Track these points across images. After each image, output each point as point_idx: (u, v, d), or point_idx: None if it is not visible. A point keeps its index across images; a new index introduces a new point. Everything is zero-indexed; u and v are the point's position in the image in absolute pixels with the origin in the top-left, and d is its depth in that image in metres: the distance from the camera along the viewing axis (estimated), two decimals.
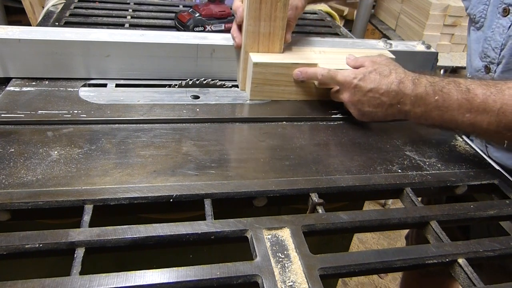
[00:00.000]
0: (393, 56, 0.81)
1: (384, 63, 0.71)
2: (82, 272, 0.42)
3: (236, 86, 0.83)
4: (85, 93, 0.74)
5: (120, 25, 1.05)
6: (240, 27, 0.78)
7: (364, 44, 0.93)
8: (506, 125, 0.58)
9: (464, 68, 2.04)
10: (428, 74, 0.68)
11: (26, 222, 0.54)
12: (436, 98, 0.63)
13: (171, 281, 0.41)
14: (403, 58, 0.88)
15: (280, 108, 0.77)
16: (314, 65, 0.77)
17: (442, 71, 2.24)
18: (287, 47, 0.82)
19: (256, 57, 0.76)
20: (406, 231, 1.82)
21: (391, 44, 0.93)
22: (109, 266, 0.48)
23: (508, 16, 0.73)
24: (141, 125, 0.68)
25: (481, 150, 0.75)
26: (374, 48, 0.90)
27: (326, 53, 0.83)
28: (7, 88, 0.72)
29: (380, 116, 0.70)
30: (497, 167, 0.68)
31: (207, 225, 0.48)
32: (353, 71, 0.71)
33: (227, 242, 0.49)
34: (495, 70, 0.77)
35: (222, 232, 0.48)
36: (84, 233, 0.45)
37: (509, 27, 0.73)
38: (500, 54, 0.75)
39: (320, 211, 0.53)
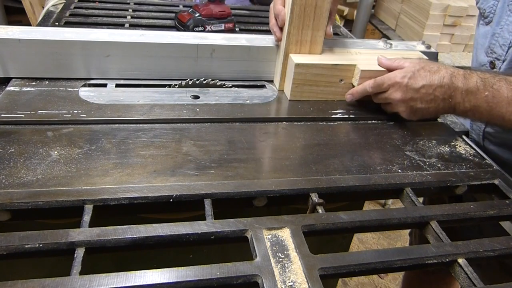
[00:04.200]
0: (427, 59, 0.82)
1: (430, 62, 0.72)
2: (82, 272, 0.42)
3: (236, 86, 0.83)
4: (85, 93, 0.74)
5: (120, 25, 1.05)
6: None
7: (364, 44, 0.93)
8: None
9: (464, 68, 2.04)
10: (478, 70, 0.69)
11: (26, 222, 0.54)
12: (486, 93, 0.64)
13: (171, 281, 0.41)
14: None
15: (280, 108, 0.77)
16: (353, 66, 0.78)
17: None
18: (325, 48, 0.83)
19: (297, 58, 0.77)
20: (406, 231, 1.82)
21: (391, 44, 0.93)
22: (109, 266, 0.48)
23: None
24: (141, 125, 0.68)
25: (477, 142, 0.75)
26: (375, 48, 0.90)
27: (362, 54, 0.84)
28: (7, 88, 0.72)
29: (431, 112, 0.71)
30: (493, 164, 0.68)
31: (207, 225, 0.48)
32: (401, 70, 0.71)
33: (227, 242, 0.49)
34: (500, 67, 0.77)
35: (222, 232, 0.48)
36: (84, 233, 0.45)
37: None
38: (507, 52, 0.75)
39: (320, 211, 0.53)
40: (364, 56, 0.82)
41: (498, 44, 0.77)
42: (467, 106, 0.67)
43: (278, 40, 0.80)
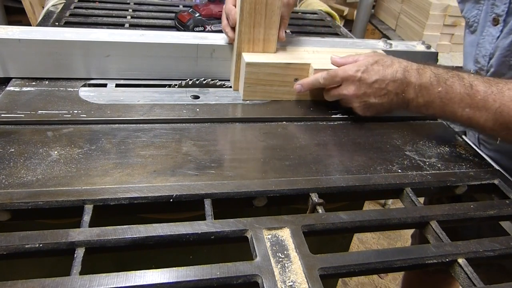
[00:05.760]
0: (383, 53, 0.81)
1: (384, 55, 0.71)
2: (82, 272, 0.42)
3: None
4: (85, 93, 0.74)
5: (120, 25, 1.05)
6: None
7: (364, 44, 0.93)
8: (502, 124, 0.60)
9: (435, 65, 2.04)
10: (431, 65, 0.68)
11: (26, 222, 0.54)
12: (439, 89, 0.64)
13: (171, 281, 0.41)
14: (403, 58, 0.88)
15: (280, 108, 0.77)
16: (307, 65, 0.77)
17: None
18: (281, 46, 0.82)
19: (249, 57, 0.75)
20: (406, 231, 1.82)
21: (391, 44, 0.93)
22: (109, 266, 0.48)
23: (498, 26, 0.73)
24: (141, 125, 0.68)
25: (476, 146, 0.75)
26: (375, 48, 0.90)
27: (319, 52, 0.83)
28: (7, 88, 0.72)
29: (385, 107, 0.70)
30: (493, 164, 0.68)
31: (207, 225, 0.48)
32: (354, 64, 0.70)
33: (227, 242, 0.49)
34: None
35: (222, 232, 0.48)
36: (84, 233, 0.45)
37: (498, 37, 0.73)
38: (488, 63, 0.75)
39: (320, 211, 0.53)
40: (321, 55, 0.81)
41: (481, 54, 0.77)
42: (420, 102, 0.66)
43: (231, 40, 0.79)
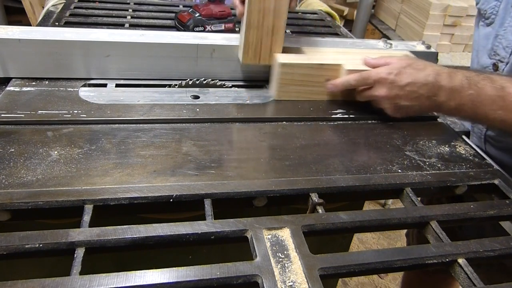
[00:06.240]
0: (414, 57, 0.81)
1: (416, 59, 0.72)
2: (82, 272, 0.42)
3: (236, 86, 0.83)
4: (85, 93, 0.74)
5: (120, 25, 1.05)
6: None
7: (364, 44, 0.93)
8: None
9: (464, 68, 2.04)
10: (463, 68, 0.69)
11: (26, 222, 0.54)
12: (470, 92, 0.64)
13: (171, 281, 0.41)
14: None
15: (280, 108, 0.77)
16: (339, 66, 0.77)
17: None
18: (309, 47, 0.83)
19: (283, 57, 0.76)
20: (406, 231, 1.82)
21: (391, 44, 0.93)
22: (109, 266, 0.48)
23: None
24: (141, 125, 0.68)
25: (479, 147, 0.75)
26: (375, 48, 0.90)
27: (348, 53, 0.83)
28: (7, 88, 0.72)
29: (416, 110, 0.71)
30: (493, 164, 0.68)
31: (207, 225, 0.48)
32: (387, 67, 0.71)
33: (227, 242, 0.49)
34: (503, 69, 0.77)
35: (222, 232, 0.48)
36: (84, 233, 0.45)
37: None
38: (510, 54, 0.75)
39: (320, 211, 0.53)
40: (351, 56, 0.81)
41: (501, 46, 0.77)
42: (451, 105, 0.67)
43: (240, 15, 0.78)
